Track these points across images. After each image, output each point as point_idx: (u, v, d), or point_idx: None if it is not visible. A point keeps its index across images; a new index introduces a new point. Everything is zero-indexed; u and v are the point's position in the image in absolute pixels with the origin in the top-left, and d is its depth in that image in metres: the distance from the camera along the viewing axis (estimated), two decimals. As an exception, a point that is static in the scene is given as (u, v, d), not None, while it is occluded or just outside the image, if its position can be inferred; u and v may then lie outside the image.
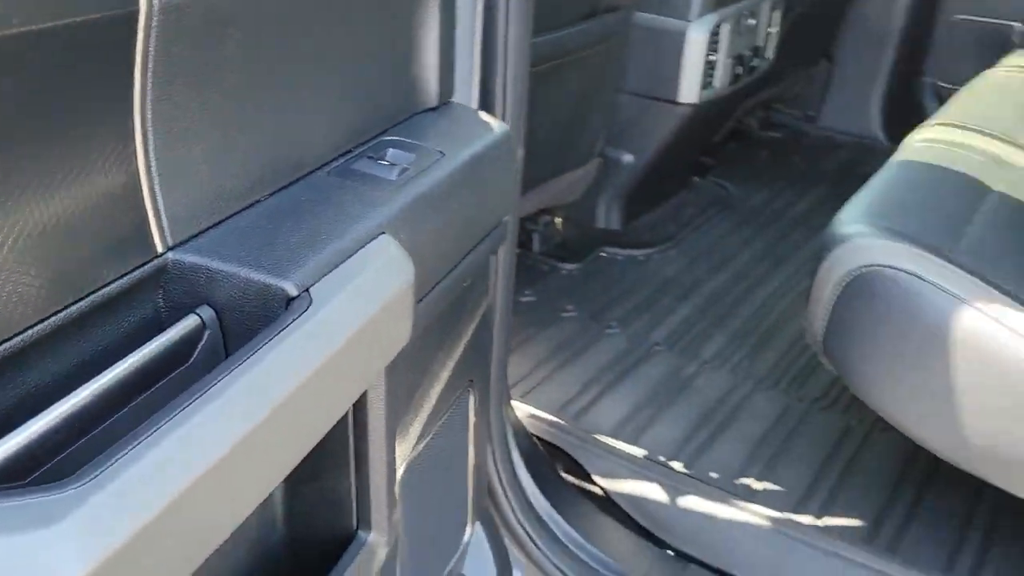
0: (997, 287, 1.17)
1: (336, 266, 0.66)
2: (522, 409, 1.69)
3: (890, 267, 1.20)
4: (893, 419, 1.27)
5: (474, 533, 1.21)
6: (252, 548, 0.76)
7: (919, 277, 1.18)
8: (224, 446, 0.52)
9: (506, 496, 1.43)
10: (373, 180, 0.78)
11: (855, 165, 2.87)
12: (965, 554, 1.41)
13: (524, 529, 1.43)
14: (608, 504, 1.56)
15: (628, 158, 2.23)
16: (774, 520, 1.47)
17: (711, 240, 2.34)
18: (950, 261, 1.20)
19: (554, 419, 1.69)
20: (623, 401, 1.75)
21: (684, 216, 2.45)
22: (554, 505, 1.48)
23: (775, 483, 1.56)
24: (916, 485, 1.55)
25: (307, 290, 0.63)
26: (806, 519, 1.48)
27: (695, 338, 1.95)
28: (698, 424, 1.69)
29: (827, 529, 1.46)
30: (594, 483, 1.60)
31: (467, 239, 0.90)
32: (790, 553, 1.44)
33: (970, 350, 1.13)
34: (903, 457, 1.61)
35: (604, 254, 2.26)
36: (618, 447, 1.64)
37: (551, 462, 1.61)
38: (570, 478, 1.61)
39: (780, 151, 2.98)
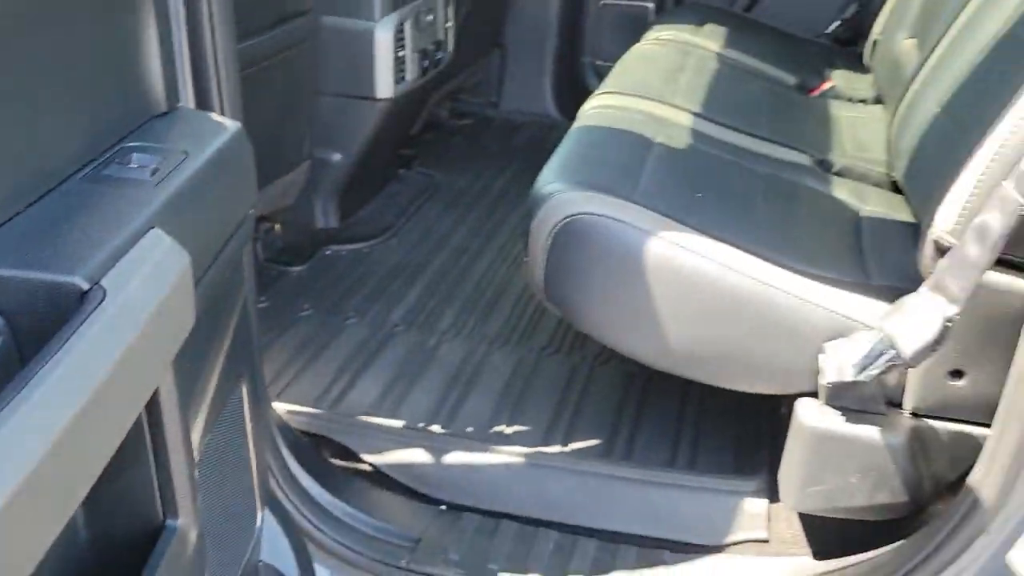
0: (670, 216, 1.42)
1: (118, 260, 0.70)
2: (280, 407, 1.73)
3: (587, 213, 1.41)
4: (609, 341, 1.49)
5: (264, 519, 1.25)
6: (53, 565, 0.77)
7: (611, 218, 1.39)
8: (34, 458, 0.53)
9: (282, 489, 1.48)
10: (129, 182, 0.82)
11: (539, 141, 3.15)
12: (683, 444, 1.68)
13: (305, 517, 1.49)
14: (379, 476, 1.66)
15: (337, 157, 2.31)
16: (527, 455, 1.64)
17: (426, 224, 2.49)
18: (633, 202, 1.43)
19: (313, 410, 1.75)
20: (375, 381, 1.85)
21: (398, 206, 2.58)
22: (329, 489, 1.54)
23: (522, 425, 1.74)
24: (636, 402, 1.80)
25: (98, 283, 0.67)
26: (554, 449, 1.67)
27: (430, 315, 2.08)
28: (447, 389, 1.83)
29: (572, 452, 1.66)
30: (362, 461, 1.68)
31: (221, 233, 0.96)
32: (545, 480, 1.62)
33: (660, 270, 1.36)
34: (623, 382, 1.86)
35: (329, 252, 2.33)
36: (378, 423, 1.73)
37: (318, 451, 1.67)
38: (339, 462, 1.68)
39: (472, 137, 3.20)
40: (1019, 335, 1.21)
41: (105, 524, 0.83)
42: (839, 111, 2.27)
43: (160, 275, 0.74)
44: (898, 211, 1.68)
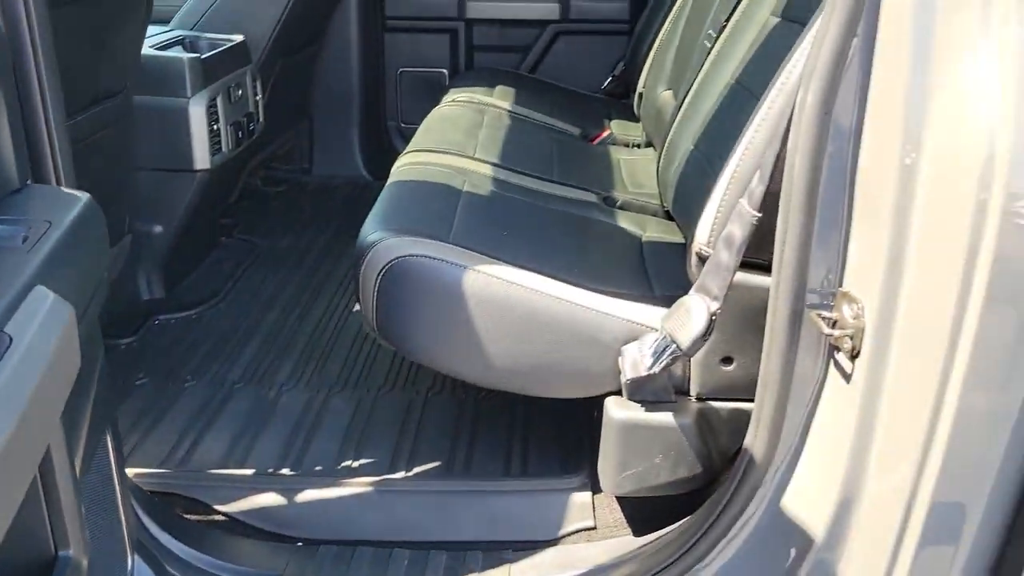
0: (482, 252, 1.63)
1: (13, 311, 0.81)
2: (128, 472, 1.78)
3: (410, 256, 1.59)
4: (439, 367, 1.67)
5: (135, 564, 1.33)
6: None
7: (431, 257, 1.58)
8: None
9: (144, 547, 1.54)
10: (3, 251, 0.92)
11: (353, 201, 3.32)
12: (515, 454, 1.88)
13: (169, 573, 1.55)
14: (234, 525, 1.74)
15: (158, 229, 2.38)
16: (375, 484, 1.78)
17: (253, 287, 2.59)
18: (449, 242, 1.63)
19: (160, 470, 1.81)
20: (220, 438, 1.93)
21: (223, 272, 2.66)
22: (186, 543, 1.61)
23: (368, 458, 1.87)
24: (469, 423, 1.98)
25: (2, 329, 0.78)
26: (399, 475, 1.82)
27: (268, 369, 2.18)
28: (291, 435, 1.94)
29: (416, 475, 1.82)
30: (216, 512, 1.76)
31: (86, 291, 1.07)
32: (394, 504, 1.77)
33: (477, 299, 1.56)
34: (455, 408, 2.03)
35: (157, 321, 2.38)
36: (227, 474, 1.81)
37: (170, 509, 1.73)
38: (192, 516, 1.75)
39: (289, 202, 3.32)
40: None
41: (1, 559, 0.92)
42: (617, 154, 2.60)
43: (51, 324, 0.85)
44: (672, 235, 1.98)
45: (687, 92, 2.06)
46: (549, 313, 1.57)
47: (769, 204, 1.39)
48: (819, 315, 1.31)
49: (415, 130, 2.62)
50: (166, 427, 1.96)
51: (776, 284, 1.34)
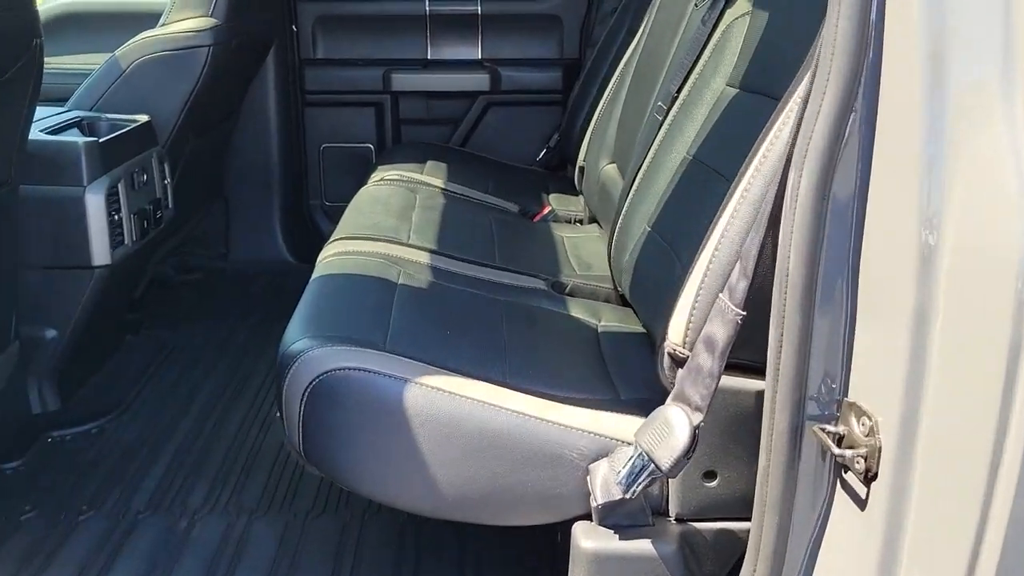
0: (423, 361, 1.41)
1: None
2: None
3: (339, 369, 1.37)
4: (378, 497, 1.43)
5: None
6: None
7: (364, 370, 1.36)
8: None
9: None
10: None
11: (275, 288, 3.08)
12: (468, 589, 1.64)
13: None
14: None
15: (51, 333, 2.10)
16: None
17: (163, 392, 2.32)
18: (385, 351, 1.41)
19: (48, 631, 1.52)
20: (121, 582, 1.65)
21: (128, 377, 2.38)
22: None
23: (297, 598, 1.62)
24: (413, 551, 1.74)
25: None
26: (335, 619, 1.57)
27: (178, 493, 1.91)
28: (208, 571, 1.67)
29: (355, 619, 1.57)
30: None
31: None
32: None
33: (419, 417, 1.35)
34: (397, 532, 1.79)
35: (50, 439, 2.08)
36: (130, 631, 1.53)
37: None
38: None
39: (204, 291, 3.06)
40: (757, 429, 1.32)
41: None
42: (561, 232, 2.43)
43: None
44: (629, 323, 1.80)
45: (638, 169, 1.90)
46: (504, 430, 1.36)
47: (754, 300, 1.22)
48: (822, 429, 1.13)
49: (341, 209, 2.43)
50: (58, 570, 1.67)
51: (772, 395, 1.16)
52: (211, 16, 2.39)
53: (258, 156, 3.22)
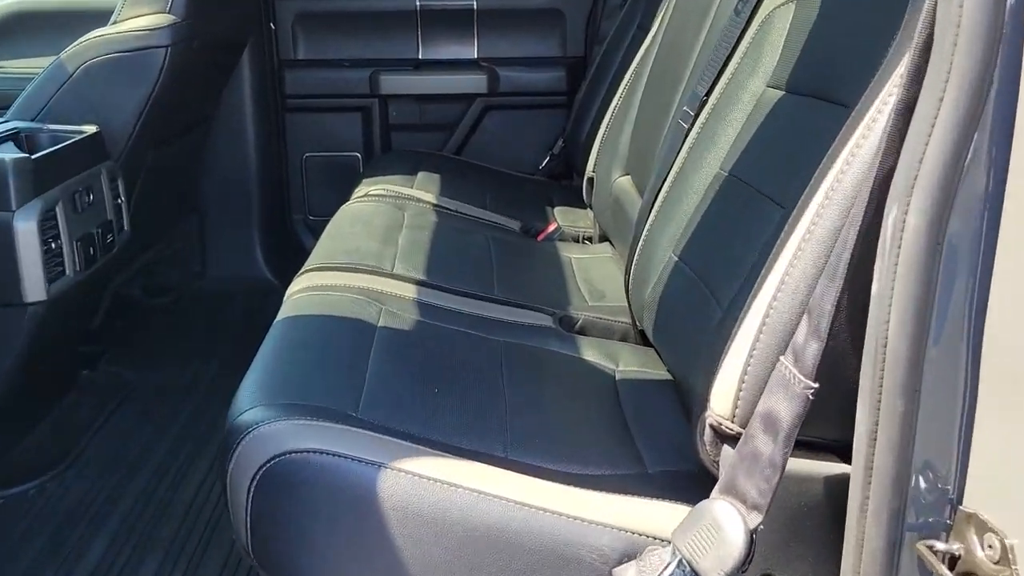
0: (406, 436, 1.13)
1: None
2: None
3: (298, 451, 1.08)
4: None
5: None
6: None
7: (330, 453, 1.08)
8: None
9: None
10: None
11: (254, 312, 2.79)
12: None
13: None
14: None
15: (-19, 380, 1.82)
16: None
17: (116, 442, 2.03)
18: (356, 425, 1.13)
19: None
20: None
21: (76, 424, 2.09)
22: None
23: None
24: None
25: None
26: None
27: (123, 570, 1.63)
28: None
29: None
30: None
31: None
32: None
33: (399, 512, 1.07)
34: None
35: (-18, 503, 1.81)
36: None
37: None
38: None
39: (176, 315, 2.78)
40: (827, 523, 1.04)
41: None
42: (568, 252, 2.15)
43: None
44: (652, 366, 1.53)
45: (660, 184, 1.62)
46: (505, 526, 1.08)
47: (828, 368, 0.94)
48: (930, 547, 0.85)
49: (326, 224, 2.16)
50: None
51: (860, 499, 0.87)
52: (168, 13, 2.11)
53: (234, 167, 2.94)
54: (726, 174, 1.41)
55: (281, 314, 1.55)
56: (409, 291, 1.65)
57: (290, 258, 3.08)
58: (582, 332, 1.70)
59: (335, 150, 3.01)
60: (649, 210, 1.64)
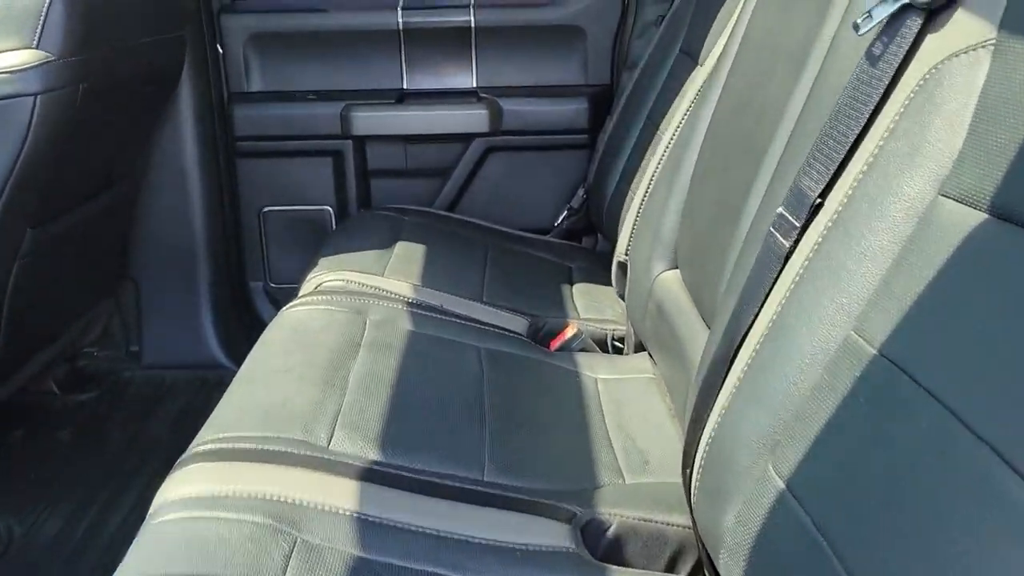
0: None
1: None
2: None
3: None
4: None
5: None
6: None
7: None
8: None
9: None
10: None
11: (201, 407, 2.21)
12: None
13: None
14: None
15: None
16: None
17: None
18: None
19: None
20: None
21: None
22: None
23: None
24: None
25: None
26: None
27: None
28: None
29: None
30: None
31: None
32: None
33: None
34: None
35: None
36: None
37: None
38: None
39: (101, 415, 2.21)
40: None
41: None
42: (591, 370, 1.54)
43: None
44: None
45: (744, 334, 1.01)
46: None
47: None
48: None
49: (291, 293, 1.57)
50: None
51: None
52: (37, 48, 1.52)
53: (175, 225, 2.36)
54: (873, 352, 0.80)
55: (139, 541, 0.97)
56: (345, 498, 1.05)
57: (247, 335, 2.51)
58: (617, 547, 1.10)
59: (300, 203, 2.42)
60: (725, 372, 1.03)
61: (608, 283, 1.94)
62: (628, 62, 2.29)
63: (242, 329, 2.48)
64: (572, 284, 1.99)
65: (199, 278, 2.41)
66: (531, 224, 2.33)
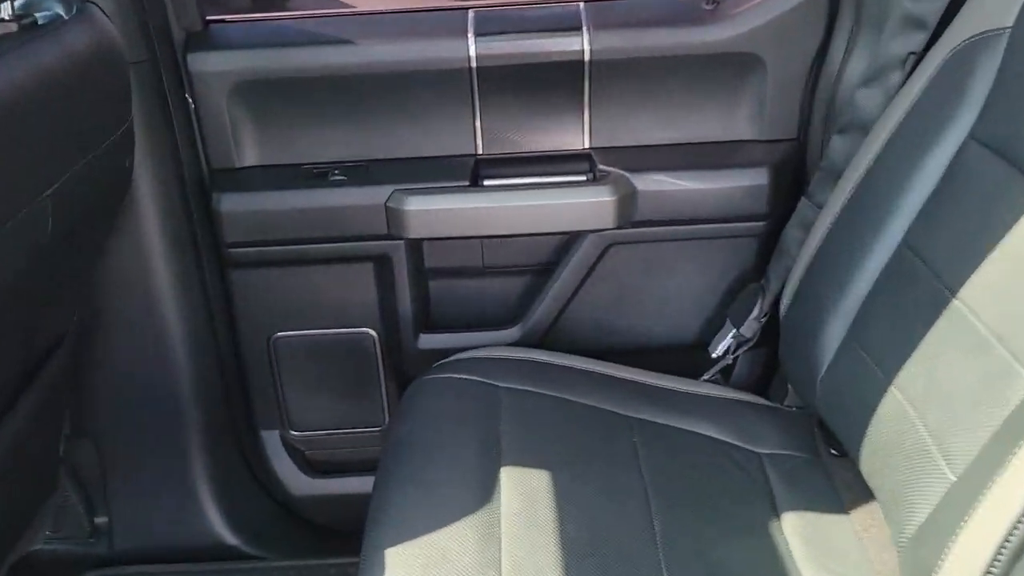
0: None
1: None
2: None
3: None
4: None
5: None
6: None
7: None
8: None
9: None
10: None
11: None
12: None
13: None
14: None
15: None
16: None
17: None
18: None
19: None
20: None
21: None
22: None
23: None
24: None
25: None
26: None
27: None
28: None
29: None
30: None
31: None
32: None
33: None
34: None
35: None
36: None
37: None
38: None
39: None
40: None
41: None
42: None
43: None
44: None
45: None
46: None
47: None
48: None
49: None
50: None
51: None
52: None
53: (147, 364, 1.59)
54: None
55: None
56: None
57: (262, 505, 1.78)
58: None
59: (328, 324, 1.63)
60: None
61: (833, 496, 1.20)
62: (834, 108, 1.45)
63: (255, 497, 1.73)
64: (777, 512, 1.22)
65: (187, 430, 1.65)
66: (681, 363, 1.53)
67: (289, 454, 1.75)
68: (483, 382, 1.38)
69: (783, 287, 1.42)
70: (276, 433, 1.74)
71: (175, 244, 1.50)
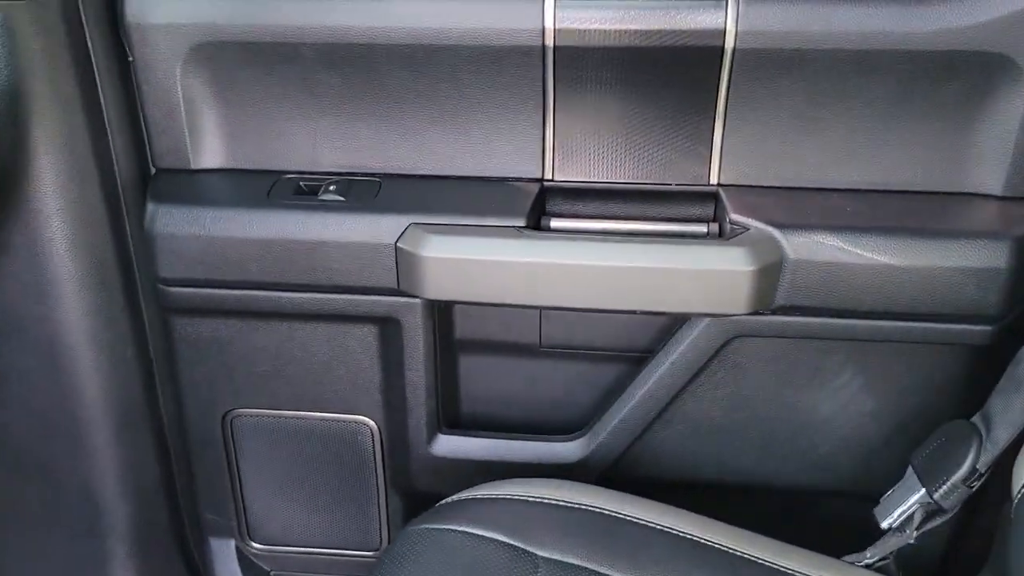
0: None
1: None
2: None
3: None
4: None
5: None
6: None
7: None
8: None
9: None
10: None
11: None
12: None
13: None
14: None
15: None
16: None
17: None
18: None
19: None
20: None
21: None
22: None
23: None
24: None
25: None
26: None
27: None
28: None
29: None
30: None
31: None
32: None
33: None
34: None
35: None
36: None
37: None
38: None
39: None
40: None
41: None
42: None
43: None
44: None
45: None
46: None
47: None
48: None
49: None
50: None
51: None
52: None
53: (52, 441, 1.12)
54: None
55: None
56: None
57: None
58: None
59: (305, 407, 1.12)
60: None
61: None
62: None
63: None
64: None
65: (110, 534, 1.17)
66: (822, 522, 0.98)
67: (246, 573, 1.25)
68: (513, 546, 0.86)
69: (1017, 437, 0.87)
70: (231, 543, 1.24)
71: (91, 274, 1.02)
